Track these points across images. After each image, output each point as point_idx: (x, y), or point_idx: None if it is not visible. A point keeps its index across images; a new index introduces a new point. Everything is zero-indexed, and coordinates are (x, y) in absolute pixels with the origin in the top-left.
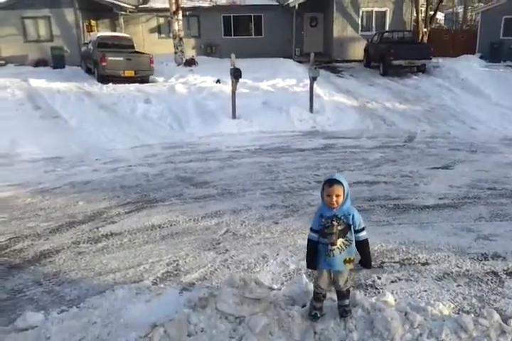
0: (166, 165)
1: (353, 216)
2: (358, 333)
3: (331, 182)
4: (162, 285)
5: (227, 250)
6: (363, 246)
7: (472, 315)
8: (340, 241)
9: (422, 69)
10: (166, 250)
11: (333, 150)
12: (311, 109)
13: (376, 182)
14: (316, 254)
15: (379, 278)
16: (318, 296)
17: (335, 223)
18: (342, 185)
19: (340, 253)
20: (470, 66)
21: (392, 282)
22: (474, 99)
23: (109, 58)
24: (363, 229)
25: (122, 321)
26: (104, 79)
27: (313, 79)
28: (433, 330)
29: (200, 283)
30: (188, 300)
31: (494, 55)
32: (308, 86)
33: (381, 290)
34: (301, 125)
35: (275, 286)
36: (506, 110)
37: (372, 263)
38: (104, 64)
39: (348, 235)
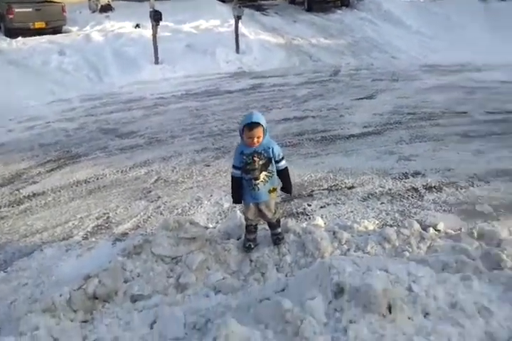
0: (86, 119)
1: (272, 149)
2: (291, 256)
3: (251, 125)
4: (93, 239)
5: (159, 197)
6: (283, 174)
7: (395, 228)
8: (263, 175)
9: (345, 4)
10: (94, 204)
11: (262, 90)
12: (237, 50)
13: (304, 117)
14: (240, 189)
15: (309, 205)
16: (250, 228)
17: (256, 159)
18: (261, 125)
19: (265, 185)
20: None
21: (321, 207)
22: (396, 30)
23: (16, 10)
24: (282, 159)
25: (54, 278)
26: (12, 33)
27: (237, 18)
28: (359, 244)
29: (134, 232)
30: (122, 250)
31: None
32: (233, 26)
33: (311, 216)
34: (227, 66)
35: (211, 225)
36: (426, 38)
37: (303, 192)
38: (10, 16)
39: (270, 167)
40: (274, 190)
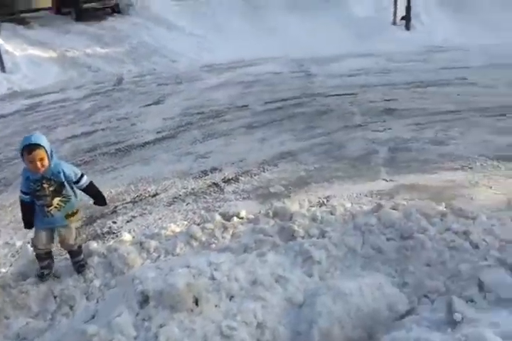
0: None
1: (63, 173)
2: (99, 279)
3: (30, 147)
4: None
5: None
6: (90, 189)
7: (201, 225)
8: (56, 201)
9: (116, 10)
10: None
11: (40, 109)
12: (2, 69)
13: (93, 131)
14: (31, 213)
15: (114, 223)
16: (40, 256)
17: (45, 185)
18: (42, 146)
19: (60, 210)
20: (161, 1)
21: (127, 222)
22: (170, 34)
23: None
24: (81, 177)
25: None
26: None
27: None
28: (168, 249)
29: None
30: None
31: None
32: None
33: (119, 233)
34: None
35: (3, 270)
36: (199, 39)
37: (106, 210)
38: None
39: (64, 192)
40: (74, 213)
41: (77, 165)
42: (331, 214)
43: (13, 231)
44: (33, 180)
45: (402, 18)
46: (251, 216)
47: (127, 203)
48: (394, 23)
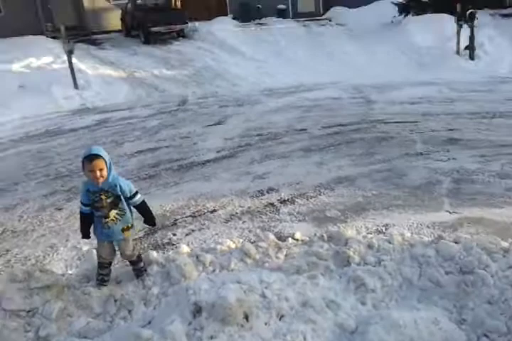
0: None
1: (120, 186)
2: (157, 287)
3: (91, 157)
4: None
5: (8, 250)
6: (142, 208)
7: (255, 243)
8: (113, 213)
9: (181, 35)
10: None
11: (109, 125)
12: (75, 86)
13: (158, 147)
14: (88, 224)
15: (174, 235)
16: (102, 265)
17: (103, 197)
18: (102, 158)
19: (116, 223)
20: (224, 27)
21: (186, 235)
22: (232, 58)
23: None
24: (136, 194)
25: None
26: None
27: (69, 53)
28: (223, 264)
29: None
30: None
31: (244, 14)
32: (67, 62)
33: (178, 245)
34: (68, 104)
35: (70, 271)
36: (261, 64)
37: (167, 222)
38: None
39: (120, 205)
40: (128, 228)
41: (142, 179)
42: (389, 242)
43: (80, 236)
44: (92, 192)
45: (466, 48)
46: (305, 238)
47: (187, 217)
48: (457, 52)
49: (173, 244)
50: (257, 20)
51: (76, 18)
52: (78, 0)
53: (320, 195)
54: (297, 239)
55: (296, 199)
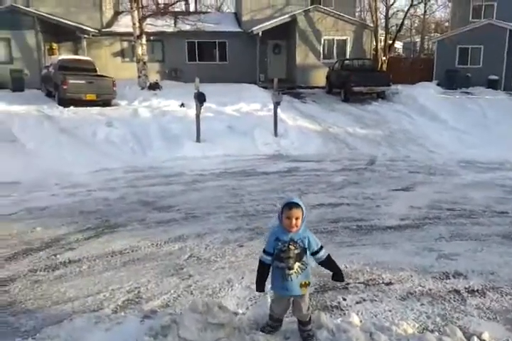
0: (128, 190)
1: (308, 239)
2: None
3: (291, 205)
4: (123, 314)
5: (190, 275)
6: (328, 262)
7: (436, 333)
8: (297, 265)
9: (381, 96)
10: (127, 277)
11: (298, 174)
12: (275, 133)
13: (339, 204)
14: (266, 277)
15: (344, 300)
16: (273, 318)
17: (292, 247)
18: (301, 207)
19: (297, 277)
20: (427, 92)
21: (357, 303)
22: (432, 124)
23: (71, 81)
24: (321, 248)
25: None
26: (65, 102)
27: (276, 103)
28: None
29: (163, 311)
30: (149, 329)
31: (450, 82)
32: (272, 111)
33: (346, 312)
34: (265, 149)
35: (240, 311)
36: (462, 134)
37: (338, 284)
38: (65, 87)
39: (304, 259)
40: (307, 284)
41: (320, 233)
42: None
43: (255, 277)
44: (282, 241)
45: None
46: None
47: (359, 283)
48: None
49: (342, 310)
50: (464, 89)
51: (286, 72)
52: (292, 56)
53: None
54: (484, 340)
55: (488, 293)
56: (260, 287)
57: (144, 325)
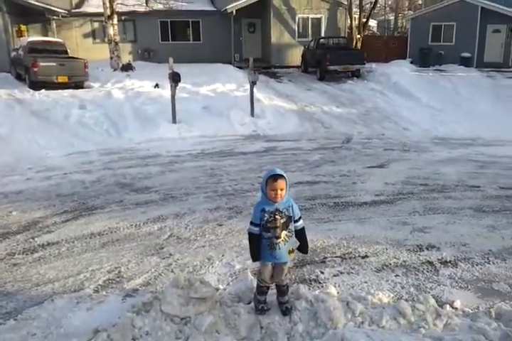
0: (104, 172)
1: (292, 207)
2: (302, 325)
3: (276, 177)
4: (104, 293)
5: (171, 254)
6: (301, 233)
7: (410, 302)
8: (284, 234)
9: (356, 74)
10: (106, 257)
11: (275, 153)
12: (251, 114)
13: (317, 181)
14: (259, 247)
15: (322, 273)
16: (263, 289)
17: (278, 217)
18: (285, 178)
19: (285, 244)
20: (401, 70)
21: (334, 275)
22: (406, 102)
23: (41, 64)
24: (300, 218)
25: (63, 330)
26: (36, 85)
27: (252, 83)
28: (373, 317)
29: (144, 289)
30: (131, 306)
31: (424, 59)
32: (249, 91)
33: (324, 284)
34: (242, 129)
35: (221, 287)
36: (436, 111)
37: (316, 258)
38: (35, 69)
39: (290, 226)
40: (293, 251)
41: (299, 209)
42: None
43: (235, 254)
44: (268, 212)
45: None
46: (467, 309)
47: (336, 257)
48: None
49: (320, 282)
50: (437, 66)
51: (261, 52)
52: (267, 35)
53: (488, 263)
54: (456, 308)
55: (460, 263)
56: (256, 256)
57: (126, 303)
